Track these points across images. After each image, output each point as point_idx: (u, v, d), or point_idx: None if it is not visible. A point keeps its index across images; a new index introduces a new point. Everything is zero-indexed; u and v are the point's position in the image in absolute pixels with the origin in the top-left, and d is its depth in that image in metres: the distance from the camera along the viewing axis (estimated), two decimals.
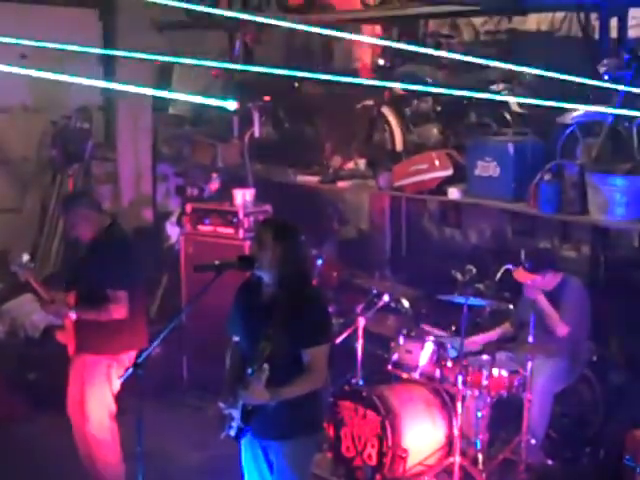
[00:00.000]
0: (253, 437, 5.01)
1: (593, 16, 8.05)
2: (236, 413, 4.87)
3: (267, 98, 9.69)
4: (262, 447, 5.07)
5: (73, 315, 6.20)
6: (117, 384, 6.20)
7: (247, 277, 5.15)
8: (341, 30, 10.68)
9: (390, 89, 8.87)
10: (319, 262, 7.79)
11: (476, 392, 6.67)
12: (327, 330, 5.09)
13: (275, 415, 4.85)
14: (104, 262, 6.19)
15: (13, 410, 7.93)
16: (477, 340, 7.15)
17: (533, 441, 6.66)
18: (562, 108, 7.48)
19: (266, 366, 4.77)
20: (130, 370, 4.76)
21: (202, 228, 8.48)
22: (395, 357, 7.00)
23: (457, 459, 6.55)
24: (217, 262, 4.91)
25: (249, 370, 4.86)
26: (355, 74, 9.98)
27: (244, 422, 4.87)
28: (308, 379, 4.91)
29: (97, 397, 6.32)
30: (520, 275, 6.90)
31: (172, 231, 9.24)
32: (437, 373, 6.75)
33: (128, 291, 6.18)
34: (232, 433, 4.92)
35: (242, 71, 9.73)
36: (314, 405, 5.04)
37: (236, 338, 5.15)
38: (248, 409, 4.86)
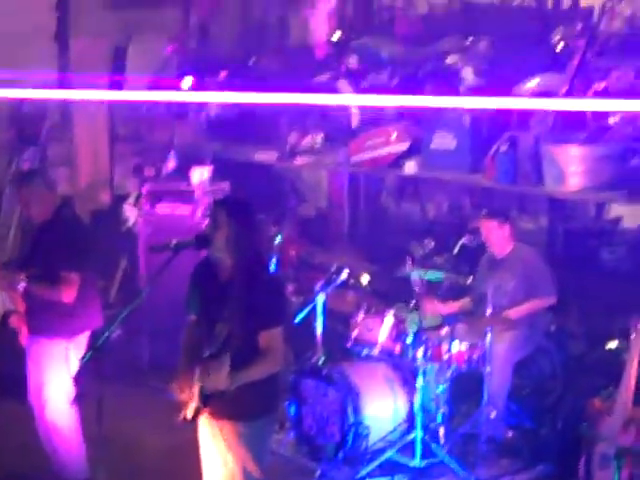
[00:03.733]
0: (209, 417, 4.98)
1: None
2: (192, 395, 4.84)
3: (223, 74, 9.62)
4: (218, 427, 5.04)
5: (23, 285, 6.13)
6: (75, 367, 6.13)
7: (204, 256, 5.10)
8: (297, 3, 10.68)
9: (346, 63, 8.85)
10: (278, 240, 7.75)
11: (436, 366, 6.68)
12: (282, 312, 5.05)
13: (231, 396, 4.80)
14: (56, 243, 6.11)
15: None
16: (437, 309, 7.14)
17: (493, 414, 6.68)
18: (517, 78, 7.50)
19: (227, 355, 4.74)
20: (89, 353, 4.72)
21: (160, 209, 8.41)
22: (355, 334, 6.99)
23: (419, 434, 6.57)
24: (173, 241, 4.87)
25: (207, 353, 4.83)
26: (311, 48, 9.91)
27: (201, 404, 4.83)
28: (265, 362, 4.87)
29: (55, 382, 6.25)
30: (481, 223, 7.01)
31: (130, 213, 9.17)
32: (397, 348, 6.74)
33: (80, 273, 6.12)
34: (188, 415, 4.89)
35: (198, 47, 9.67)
36: (270, 386, 4.99)
37: (193, 317, 5.11)
38: (206, 392, 4.82)
